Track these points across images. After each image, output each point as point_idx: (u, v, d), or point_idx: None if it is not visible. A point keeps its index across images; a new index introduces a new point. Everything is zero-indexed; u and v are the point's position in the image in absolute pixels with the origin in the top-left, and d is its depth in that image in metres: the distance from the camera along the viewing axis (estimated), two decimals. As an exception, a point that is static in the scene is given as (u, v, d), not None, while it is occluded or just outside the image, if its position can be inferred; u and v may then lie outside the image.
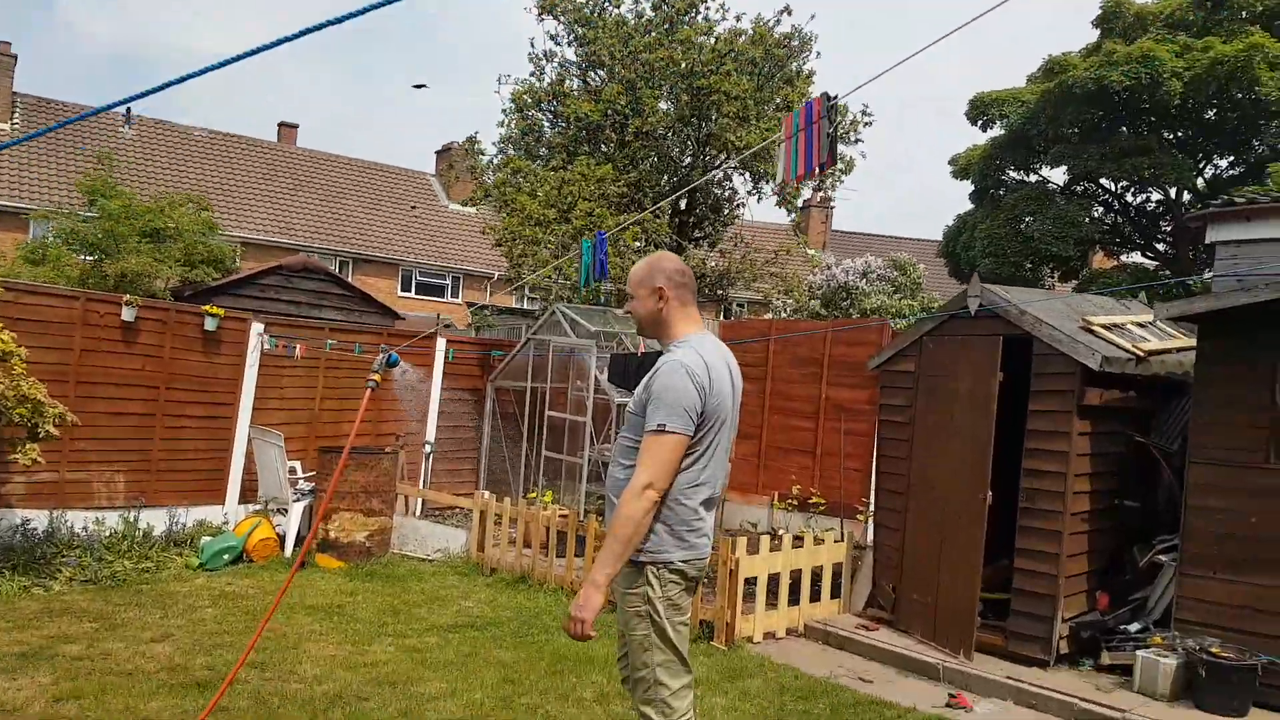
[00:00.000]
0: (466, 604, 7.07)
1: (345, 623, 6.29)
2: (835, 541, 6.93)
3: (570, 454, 10.08)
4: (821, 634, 6.42)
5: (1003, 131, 18.84)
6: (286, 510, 8.46)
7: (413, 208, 28.96)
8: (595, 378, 9.41)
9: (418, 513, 9.85)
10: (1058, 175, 19.95)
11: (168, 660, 5.19)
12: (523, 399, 10.31)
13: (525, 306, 20.93)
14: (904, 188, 74.06)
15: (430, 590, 7.42)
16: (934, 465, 6.14)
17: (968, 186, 20.22)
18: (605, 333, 9.87)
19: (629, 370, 8.69)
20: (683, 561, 3.03)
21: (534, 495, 9.88)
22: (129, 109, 26.64)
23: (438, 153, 30.68)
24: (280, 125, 30.40)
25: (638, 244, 12.94)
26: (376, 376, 3.60)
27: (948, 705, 5.29)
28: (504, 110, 15.20)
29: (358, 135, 67.61)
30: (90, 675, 4.80)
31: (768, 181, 15.12)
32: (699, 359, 3.02)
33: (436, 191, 30.64)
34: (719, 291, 15.85)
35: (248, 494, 8.88)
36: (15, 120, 24.70)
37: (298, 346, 9.03)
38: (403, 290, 26.11)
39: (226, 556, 7.75)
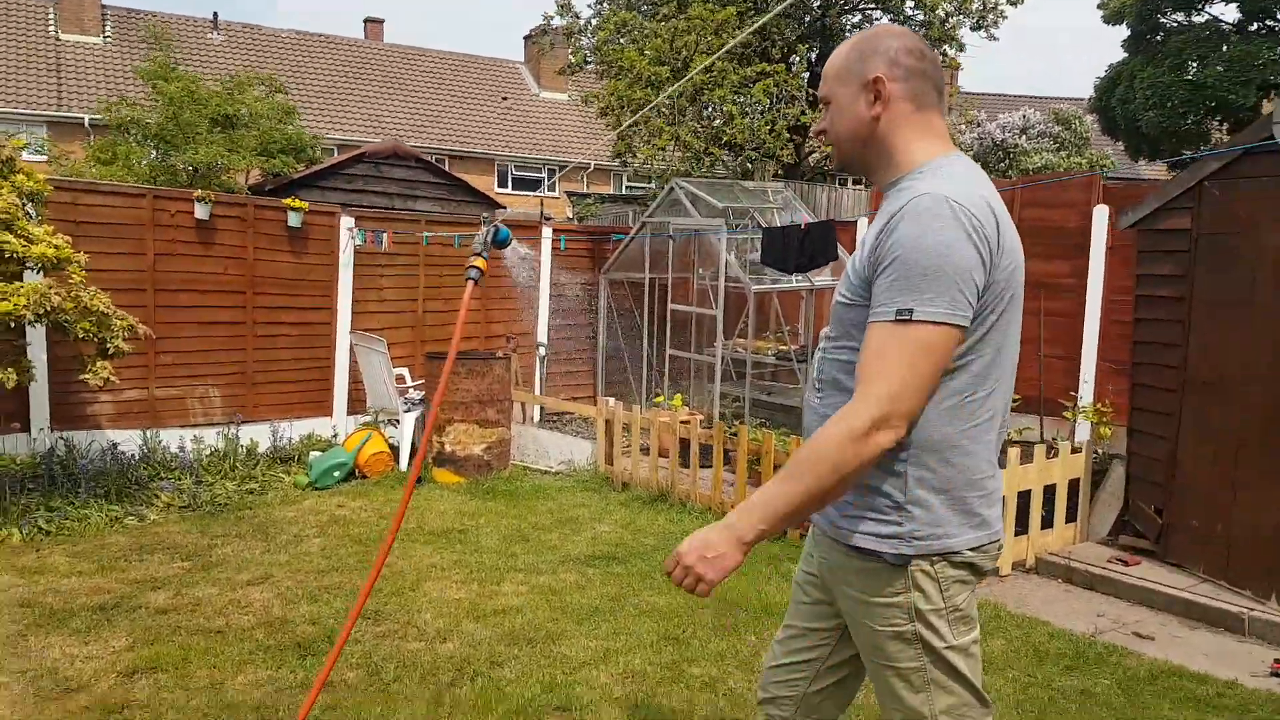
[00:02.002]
0: (601, 528, 6.11)
1: (468, 553, 5.41)
2: (1072, 452, 5.56)
3: (698, 352, 8.95)
4: (1062, 570, 5.16)
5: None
6: (398, 422, 7.65)
7: (504, 99, 27.65)
8: (725, 262, 8.14)
9: (535, 420, 8.95)
10: (1230, 13, 17.29)
11: (264, 611, 4.38)
12: (640, 292, 9.15)
13: (629, 192, 19.61)
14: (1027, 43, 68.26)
15: (558, 510, 6.50)
16: (1225, 353, 4.67)
17: (1106, 37, 17.74)
18: (734, 209, 8.53)
19: (789, 246, 7.27)
20: (973, 550, 1.87)
21: (660, 399, 8.83)
22: (215, 14, 25.93)
23: (526, 39, 29.08)
24: (366, 21, 29.29)
25: (767, 101, 11.36)
26: (480, 262, 2.44)
27: (1273, 674, 4.02)
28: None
29: (444, 27, 66.02)
30: (173, 636, 4.01)
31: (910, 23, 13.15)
32: (972, 193, 1.77)
33: (527, 81, 29.20)
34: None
35: (356, 405, 8.10)
36: (107, 33, 24.27)
37: (385, 236, 8.02)
38: (499, 186, 25.14)
39: (337, 473, 7.00)
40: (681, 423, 6.87)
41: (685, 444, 6.78)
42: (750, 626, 4.47)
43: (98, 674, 3.58)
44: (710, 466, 6.67)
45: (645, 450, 7.29)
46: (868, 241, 1.83)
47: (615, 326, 9.52)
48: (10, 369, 5.31)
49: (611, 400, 7.48)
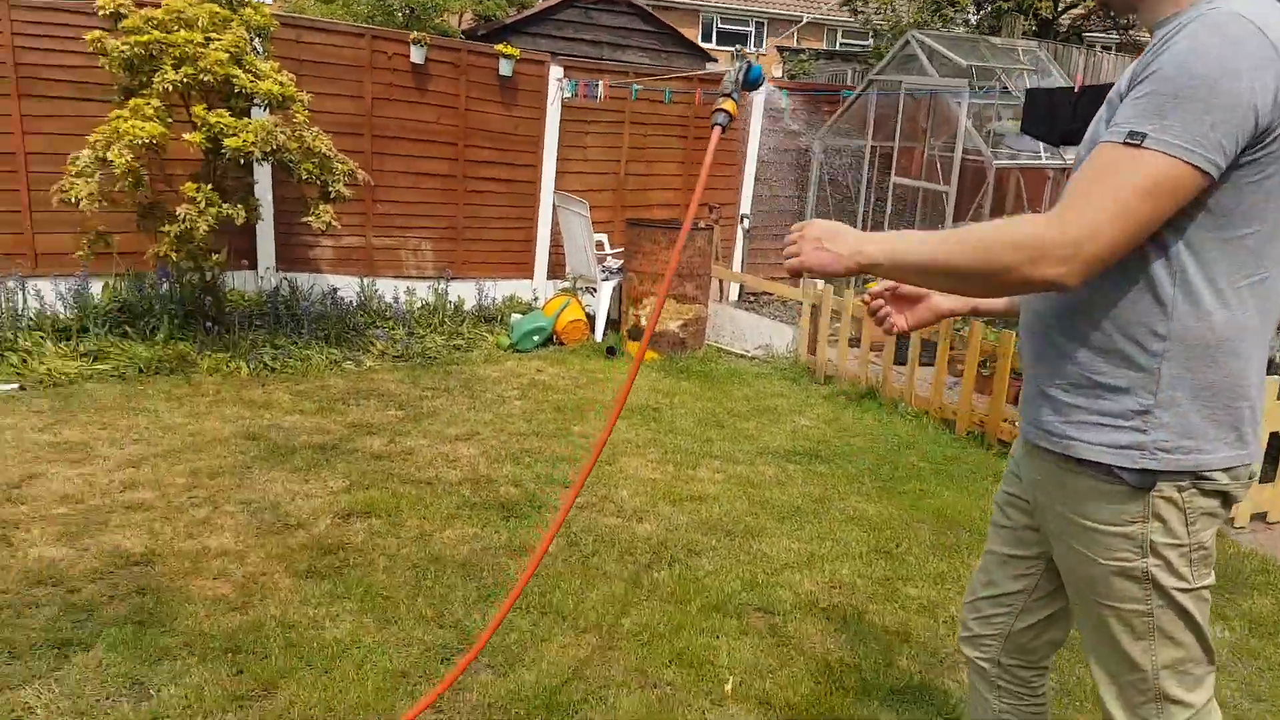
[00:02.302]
0: (802, 422, 5.81)
1: (664, 433, 5.27)
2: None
3: (919, 238, 8.23)
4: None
5: None
6: (595, 290, 7.55)
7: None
8: (964, 130, 7.32)
9: (733, 299, 8.63)
10: None
11: (471, 467, 4.42)
12: (859, 161, 8.45)
13: (844, 48, 18.27)
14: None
15: (755, 398, 6.24)
16: None
17: None
18: (979, 68, 7.60)
19: (1057, 113, 6.36)
20: (1227, 474, 1.53)
21: (873, 284, 8.25)
22: None
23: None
24: None
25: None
26: (729, 105, 2.06)
27: None
28: None
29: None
30: (386, 482, 4.10)
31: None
32: (1262, 12, 1.38)
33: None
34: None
35: (555, 269, 8.06)
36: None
37: (600, 85, 7.68)
38: (703, 39, 24.09)
39: (536, 338, 7.02)
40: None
41: (902, 338, 6.28)
42: (973, 548, 4.09)
43: (316, 513, 3.70)
44: (930, 365, 6.17)
45: (853, 341, 6.85)
46: (1131, 69, 1.46)
47: (827, 199, 8.92)
48: (240, 206, 5.50)
49: (820, 283, 7.02)
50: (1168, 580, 1.54)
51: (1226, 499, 1.54)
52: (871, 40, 14.00)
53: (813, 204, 8.95)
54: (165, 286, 5.99)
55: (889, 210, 8.34)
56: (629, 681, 2.83)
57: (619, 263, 7.74)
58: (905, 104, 7.92)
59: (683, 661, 2.95)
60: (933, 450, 5.42)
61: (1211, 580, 1.59)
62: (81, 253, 5.41)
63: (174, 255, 5.51)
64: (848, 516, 4.33)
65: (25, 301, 5.52)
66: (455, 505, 3.94)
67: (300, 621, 2.88)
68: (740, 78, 2.15)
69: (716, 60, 11.65)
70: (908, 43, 7.86)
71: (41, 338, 5.37)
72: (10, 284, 5.40)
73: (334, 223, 5.81)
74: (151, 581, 3.03)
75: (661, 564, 3.65)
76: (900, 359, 6.43)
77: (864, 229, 8.42)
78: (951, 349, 5.90)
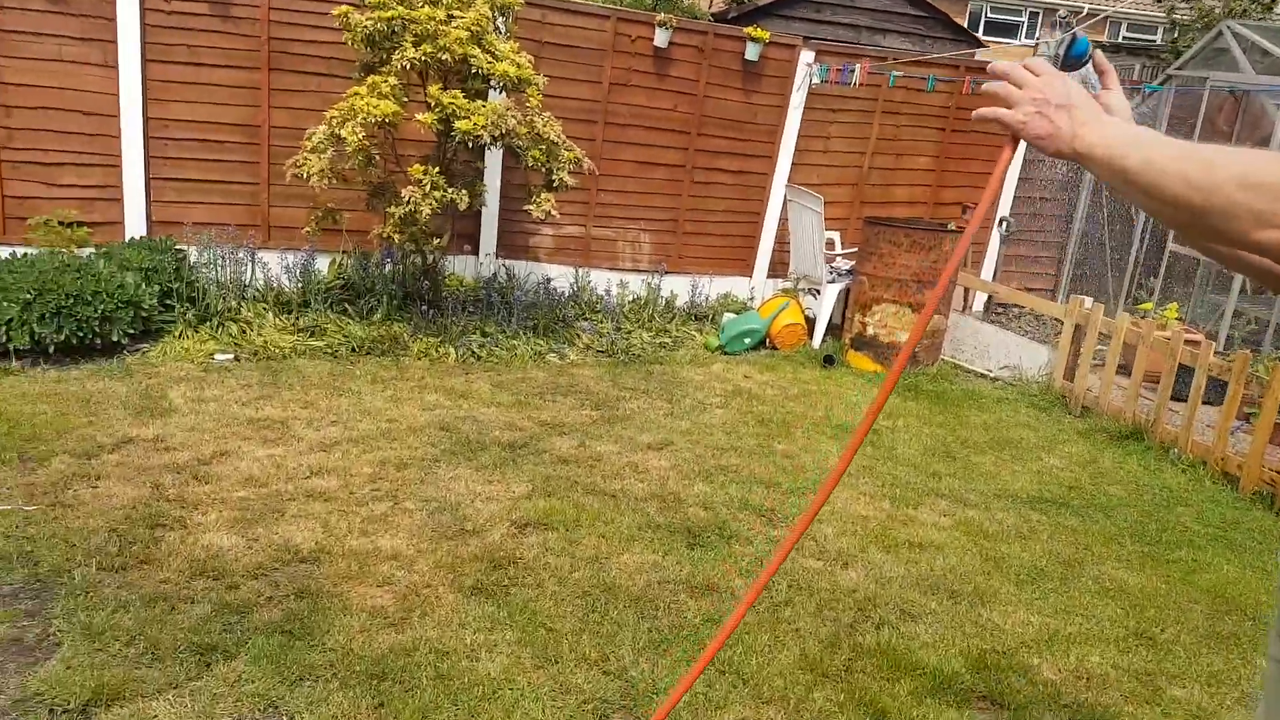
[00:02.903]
0: (1051, 461, 4.98)
1: (881, 460, 4.66)
2: None
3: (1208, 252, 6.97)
4: None
5: None
6: (819, 292, 6.97)
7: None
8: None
9: (977, 310, 7.73)
10: None
11: (660, 481, 4.05)
12: (1145, 170, 7.29)
13: (1125, 42, 16.31)
14: None
15: (995, 427, 5.45)
16: None
17: None
18: (1309, 69, 6.29)
19: None
20: None
21: (1147, 306, 7.11)
22: None
23: None
24: None
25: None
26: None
27: None
28: None
29: None
30: (569, 491, 3.82)
31: None
32: None
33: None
34: None
35: (777, 268, 7.55)
36: None
37: (856, 69, 7.02)
38: (969, 27, 22.45)
39: (748, 340, 6.57)
40: (1187, 342, 5.31)
41: (1182, 371, 5.26)
42: (1257, 642, 3.24)
43: (493, 519, 3.47)
44: (1214, 405, 5.13)
45: (1121, 370, 5.85)
46: None
47: (1100, 207, 7.79)
48: (464, 191, 5.44)
49: (1088, 300, 6.06)
50: None
51: None
52: (1161, 33, 12.29)
53: (1083, 211, 7.85)
54: (388, 267, 6.09)
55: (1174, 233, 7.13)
56: (815, 779, 2.34)
57: (849, 264, 7.11)
58: (1209, 103, 6.72)
59: (884, 760, 2.42)
60: (1209, 510, 4.47)
61: None
62: (310, 228, 5.57)
63: (396, 237, 5.56)
64: (1102, 587, 3.56)
65: (253, 273, 5.76)
66: (638, 525, 3.58)
67: (455, 649, 2.62)
68: (1062, 52, 1.55)
69: (988, 47, 10.59)
70: (1220, 34, 6.65)
71: (264, 309, 5.57)
72: (240, 254, 5.65)
73: (553, 211, 5.64)
74: (313, 583, 2.89)
75: (868, 625, 3.10)
76: (1179, 395, 5.39)
77: (1141, 246, 7.27)
78: (1245, 389, 4.84)
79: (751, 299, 7.43)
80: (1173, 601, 3.50)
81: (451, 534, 3.32)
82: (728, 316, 6.91)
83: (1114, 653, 3.10)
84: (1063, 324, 6.18)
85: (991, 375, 6.62)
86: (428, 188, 5.33)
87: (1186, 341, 5.31)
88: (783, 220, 7.39)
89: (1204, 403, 5.13)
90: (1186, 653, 3.15)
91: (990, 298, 7.58)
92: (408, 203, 5.32)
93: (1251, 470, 4.69)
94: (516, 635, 2.70)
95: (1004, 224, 7.73)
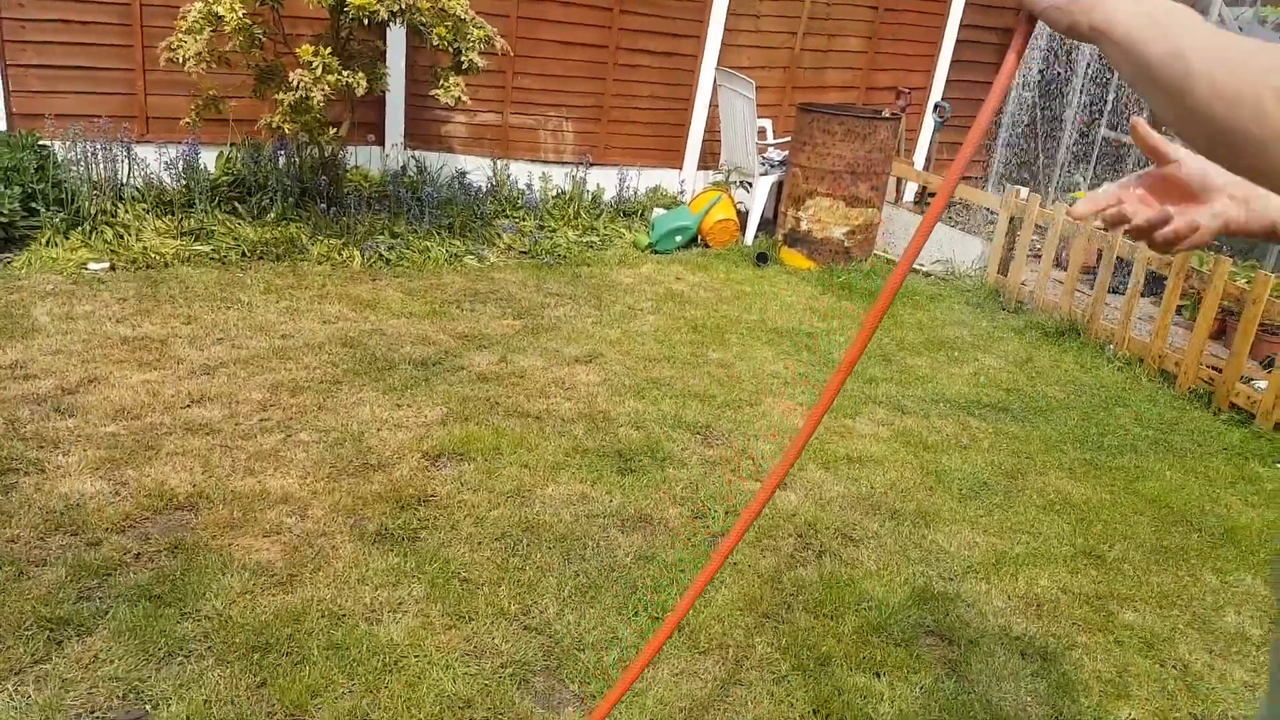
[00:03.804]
0: (987, 361, 4.84)
1: (816, 365, 4.44)
2: None
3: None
4: None
5: None
6: (751, 185, 6.62)
7: None
8: (1219, 16, 5.83)
9: (908, 201, 7.49)
10: None
11: (589, 399, 3.76)
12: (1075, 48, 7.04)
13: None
14: None
15: (930, 326, 5.28)
16: None
17: None
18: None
19: None
20: None
21: (1080, 194, 6.95)
22: None
23: None
24: None
25: None
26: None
27: None
28: None
29: None
30: (489, 414, 3.49)
31: None
32: None
33: None
34: None
35: (708, 159, 7.15)
36: None
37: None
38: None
39: (679, 238, 6.22)
40: (1126, 233, 5.14)
41: (1120, 265, 5.13)
42: (1205, 557, 3.18)
43: (401, 450, 3.14)
44: (1151, 298, 5.04)
45: (1057, 263, 5.71)
46: None
47: (1033, 89, 7.52)
48: (362, 74, 4.88)
49: (1024, 191, 5.86)
50: None
51: None
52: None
53: (1015, 95, 7.57)
54: (282, 161, 5.51)
55: (1108, 108, 6.93)
56: (756, 738, 2.15)
57: (782, 155, 6.75)
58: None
59: (831, 713, 2.24)
60: (1148, 411, 4.40)
61: None
62: (190, 119, 4.96)
63: (287, 127, 4.99)
64: (1047, 500, 3.45)
65: (130, 171, 5.13)
66: (564, 450, 3.30)
67: (353, 610, 2.33)
68: None
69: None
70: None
71: (143, 211, 4.98)
72: (115, 150, 5.02)
73: (464, 97, 5.12)
74: (189, 536, 2.54)
75: (809, 554, 2.91)
76: (1117, 289, 5.28)
77: (1072, 132, 7.03)
78: (1185, 283, 4.73)
79: (682, 193, 7.04)
80: (1118, 514, 3.40)
81: (353, 470, 2.98)
82: (658, 212, 6.53)
83: (1063, 574, 2.98)
84: (997, 215, 5.98)
85: (924, 270, 6.44)
86: (319, 71, 4.76)
87: (1127, 231, 5.15)
88: (713, 107, 6.95)
89: (1142, 296, 5.02)
90: (1135, 571, 3.05)
91: (923, 188, 7.33)
92: (297, 88, 4.75)
93: (1189, 368, 4.62)
94: (425, 589, 2.42)
95: (938, 109, 7.42)
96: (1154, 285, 5.44)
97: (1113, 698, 2.44)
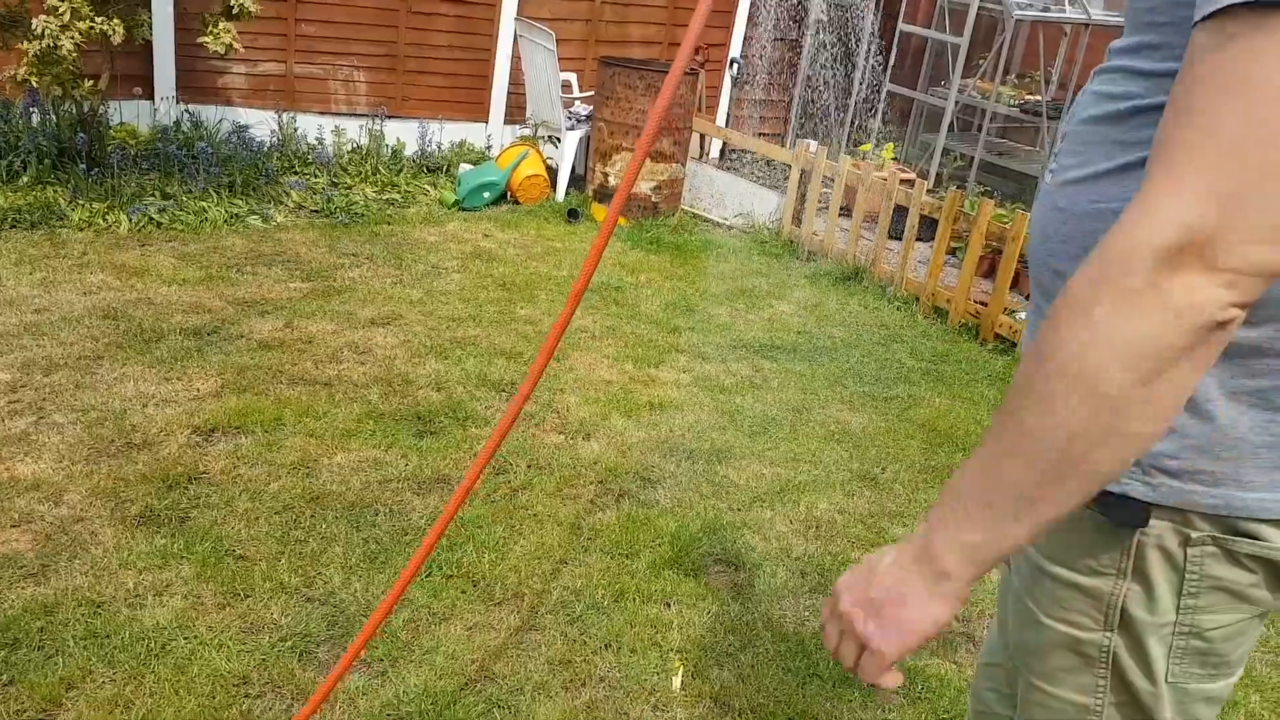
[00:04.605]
0: (781, 307, 5.07)
1: (624, 319, 4.51)
2: None
3: (925, 91, 7.32)
4: None
5: None
6: (560, 139, 6.57)
7: None
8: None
9: (713, 158, 7.68)
10: None
11: (385, 362, 3.65)
12: (864, 3, 7.41)
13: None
14: None
15: (730, 276, 5.46)
16: None
17: None
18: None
19: None
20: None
21: (866, 147, 7.35)
22: None
23: None
24: None
25: None
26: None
27: None
28: None
29: None
30: (270, 383, 3.33)
31: None
32: None
33: None
34: None
35: (515, 113, 7.02)
36: None
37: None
38: None
39: (487, 194, 6.10)
40: (902, 182, 5.50)
41: (898, 212, 5.47)
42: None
43: (169, 426, 2.94)
44: (927, 242, 5.41)
45: (844, 211, 6.02)
46: None
47: (826, 47, 7.84)
48: (117, 20, 4.46)
49: (812, 144, 6.12)
50: (1135, 674, 0.96)
51: (1273, 567, 0.91)
52: None
53: (808, 51, 7.87)
54: (36, 118, 4.97)
55: (890, 63, 7.33)
56: (549, 681, 2.19)
57: (588, 109, 6.73)
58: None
59: (622, 645, 2.32)
60: (922, 345, 4.75)
61: (1221, 687, 0.98)
62: (-88, 72, 4.39)
63: (35, 80, 4.52)
64: (828, 431, 3.67)
65: None
66: (356, 417, 3.20)
67: (114, 597, 2.18)
68: None
69: None
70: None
71: None
72: None
73: (236, 45, 4.79)
74: (-81, 534, 2.30)
75: (609, 499, 2.97)
76: (896, 235, 5.64)
77: (861, 87, 7.37)
78: (954, 225, 5.12)
79: (489, 148, 6.90)
80: (892, 440, 3.67)
81: (114, 450, 2.77)
82: (464, 168, 6.37)
83: (840, 497, 3.19)
84: (790, 169, 6.24)
85: (727, 224, 6.63)
86: (67, 17, 4.32)
87: (902, 181, 5.51)
88: (517, 60, 6.82)
89: (918, 239, 5.38)
90: (905, 489, 3.31)
91: (725, 144, 7.53)
92: (43, 35, 4.30)
93: (958, 304, 5.01)
94: (194, 570, 2.29)
95: (733, 65, 7.61)
96: (930, 230, 5.84)
97: (884, 610, 2.65)
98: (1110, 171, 0.90)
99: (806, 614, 2.57)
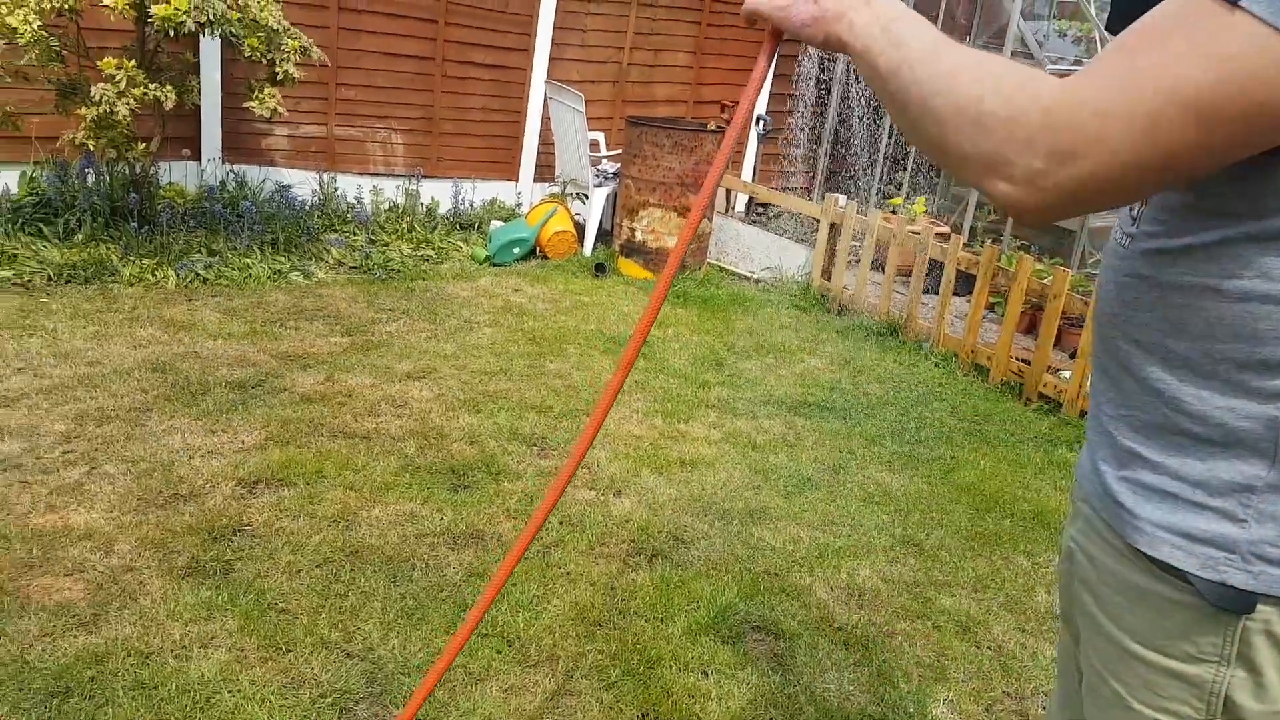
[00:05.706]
0: (812, 363, 5.09)
1: (652, 374, 4.55)
2: None
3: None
4: None
5: None
6: (587, 196, 6.71)
7: None
8: (1017, 25, 6.41)
9: (739, 212, 7.78)
10: None
11: (421, 416, 3.71)
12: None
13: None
14: None
15: (759, 331, 5.50)
16: None
17: None
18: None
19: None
20: None
21: (896, 201, 7.43)
22: None
23: None
24: None
25: None
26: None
27: None
28: None
29: None
30: (312, 436, 3.40)
31: None
32: None
33: None
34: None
35: (544, 171, 7.19)
36: None
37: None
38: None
39: (517, 250, 6.23)
40: (938, 235, 5.53)
41: (934, 265, 5.50)
42: (1016, 541, 3.42)
43: (215, 478, 3.01)
44: (963, 296, 5.43)
45: (876, 266, 6.07)
46: None
47: (851, 104, 7.97)
48: (169, 86, 4.65)
49: (841, 199, 6.19)
50: None
51: None
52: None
53: (836, 107, 8.01)
54: (91, 179, 5.17)
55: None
56: (585, 742, 2.19)
57: (615, 167, 6.87)
58: (949, -4, 6.96)
59: (660, 715, 2.31)
60: (963, 403, 4.73)
61: None
62: (-22, 136, 4.60)
63: (92, 143, 4.70)
64: (867, 493, 3.65)
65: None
66: (393, 469, 3.25)
67: (161, 648, 2.22)
68: None
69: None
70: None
71: (-66, 235, 4.59)
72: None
73: (280, 109, 4.96)
74: (-23, 583, 2.36)
75: (641, 559, 2.98)
76: (931, 289, 5.66)
77: (889, 140, 7.47)
78: (992, 280, 5.13)
79: (519, 205, 7.05)
80: (935, 504, 3.63)
81: (162, 501, 2.83)
82: (495, 224, 6.51)
83: (883, 563, 3.16)
84: (819, 223, 6.31)
85: (755, 277, 6.70)
86: (123, 84, 4.52)
87: (936, 235, 5.54)
88: (546, 120, 7.00)
89: (955, 295, 5.40)
90: (952, 558, 3.25)
91: (751, 199, 7.64)
92: (100, 102, 4.50)
93: (1000, 361, 4.99)
94: (238, 622, 2.33)
95: (760, 122, 7.75)
96: (966, 285, 5.86)
97: (931, 681, 2.60)
98: (1206, 245, 0.86)
99: (851, 688, 2.53)
